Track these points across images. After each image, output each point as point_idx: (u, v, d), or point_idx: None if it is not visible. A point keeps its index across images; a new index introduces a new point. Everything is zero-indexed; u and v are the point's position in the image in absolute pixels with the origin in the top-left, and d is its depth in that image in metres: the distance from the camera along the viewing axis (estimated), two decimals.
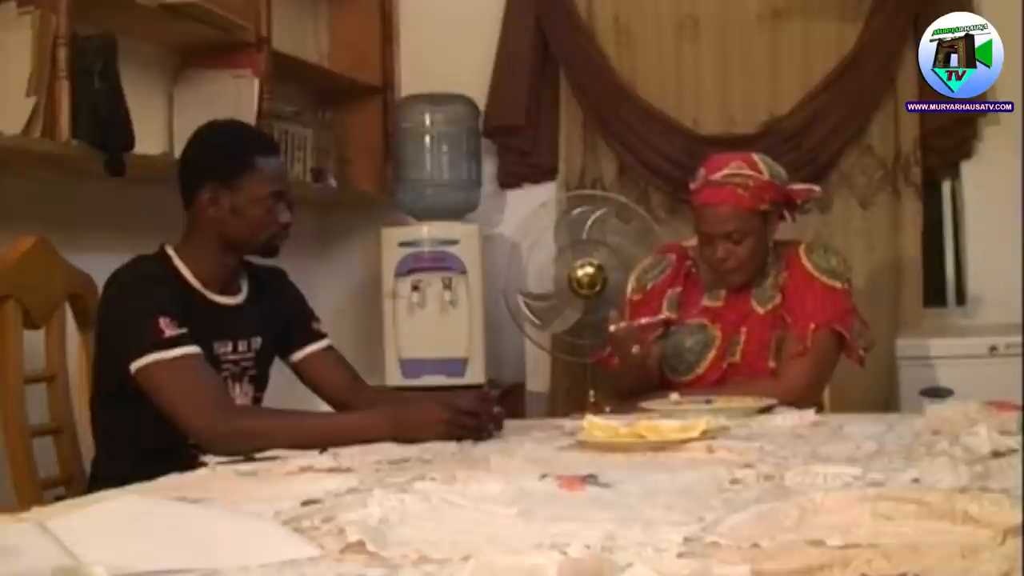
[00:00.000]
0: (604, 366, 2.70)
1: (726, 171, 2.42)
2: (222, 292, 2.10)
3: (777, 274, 2.49)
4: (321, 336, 2.26)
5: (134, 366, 1.91)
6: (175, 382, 1.90)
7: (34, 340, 2.10)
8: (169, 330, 1.91)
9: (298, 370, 2.25)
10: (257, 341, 2.14)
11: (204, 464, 1.75)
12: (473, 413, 1.90)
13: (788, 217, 2.52)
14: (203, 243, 2.08)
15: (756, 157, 2.48)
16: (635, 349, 2.34)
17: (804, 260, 2.48)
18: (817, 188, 2.58)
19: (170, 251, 2.09)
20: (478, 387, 3.40)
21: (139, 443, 1.98)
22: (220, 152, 2.10)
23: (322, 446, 1.78)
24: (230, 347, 2.08)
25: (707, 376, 2.46)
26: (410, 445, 1.80)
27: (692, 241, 2.82)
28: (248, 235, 2.08)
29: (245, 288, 2.16)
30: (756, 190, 2.41)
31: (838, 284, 2.46)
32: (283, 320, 2.21)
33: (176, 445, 1.90)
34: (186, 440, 1.90)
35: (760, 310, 2.48)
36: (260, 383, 2.17)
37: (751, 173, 2.42)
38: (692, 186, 2.49)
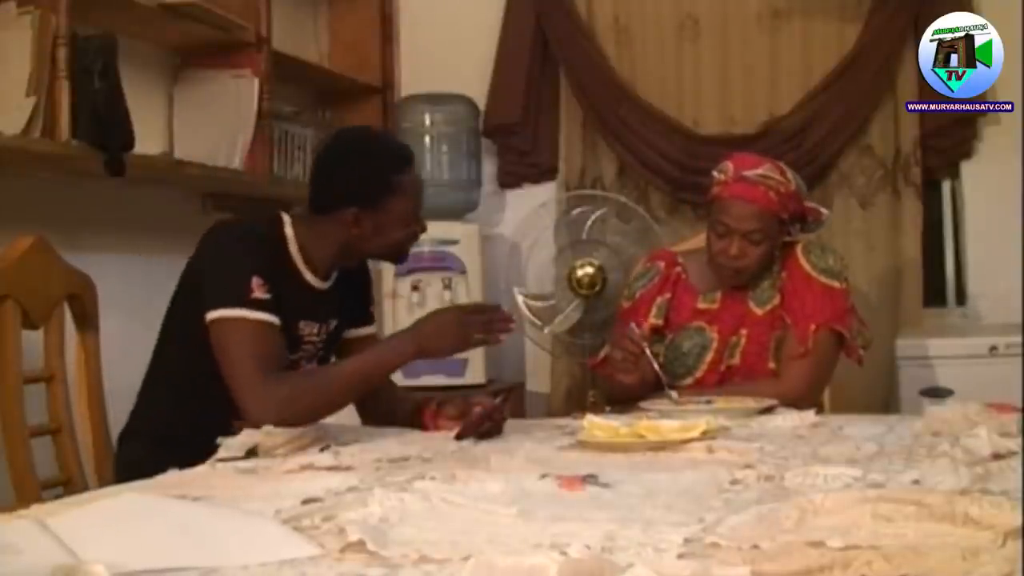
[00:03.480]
0: (599, 370, 2.70)
1: (760, 171, 2.40)
2: (319, 276, 2.11)
3: (775, 275, 2.48)
4: (371, 321, 2.30)
5: (212, 315, 1.90)
6: (246, 345, 1.89)
7: (33, 340, 2.10)
8: (259, 292, 1.91)
9: (339, 346, 2.27)
10: (333, 323, 2.17)
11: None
12: (479, 308, 1.97)
13: (793, 232, 2.51)
14: (328, 242, 2.08)
15: (782, 165, 2.47)
16: (618, 355, 2.33)
17: (802, 260, 2.47)
18: (826, 211, 2.56)
19: (286, 221, 2.08)
20: (479, 387, 3.40)
21: (177, 395, 2.02)
22: (361, 178, 2.06)
23: (361, 388, 1.87)
24: (315, 328, 2.11)
25: (706, 379, 2.45)
26: (414, 431, 1.84)
27: (684, 245, 2.82)
28: (389, 249, 2.13)
29: (335, 272, 2.18)
30: (785, 197, 2.41)
31: (836, 283, 2.46)
32: (355, 301, 2.25)
33: (205, 423, 1.83)
34: (213, 419, 1.84)
35: (758, 311, 2.47)
36: (324, 362, 2.18)
37: (782, 180, 2.42)
38: (719, 177, 2.43)
